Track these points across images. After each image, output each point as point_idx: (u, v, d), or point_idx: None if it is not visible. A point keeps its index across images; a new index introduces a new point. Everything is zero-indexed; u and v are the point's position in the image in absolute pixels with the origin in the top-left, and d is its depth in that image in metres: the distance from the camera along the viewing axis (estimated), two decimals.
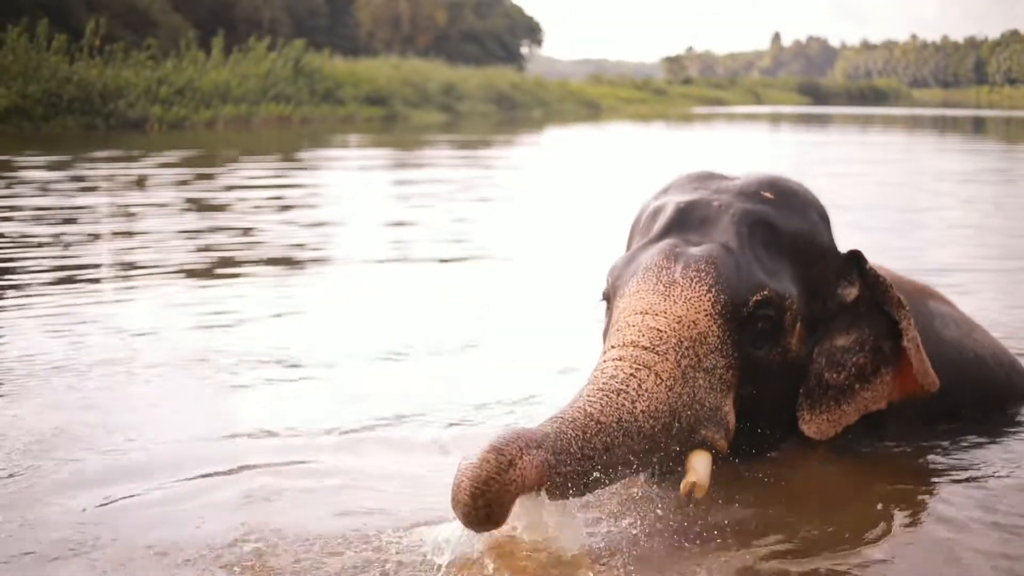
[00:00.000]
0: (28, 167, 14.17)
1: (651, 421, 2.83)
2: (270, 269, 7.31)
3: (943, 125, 41.18)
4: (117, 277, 6.89)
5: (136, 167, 15.02)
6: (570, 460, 2.65)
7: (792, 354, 3.17)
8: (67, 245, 7.90)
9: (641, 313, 3.02)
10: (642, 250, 3.22)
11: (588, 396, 2.83)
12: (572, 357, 4.65)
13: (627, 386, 2.85)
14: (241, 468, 3.45)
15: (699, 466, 2.90)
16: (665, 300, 3.01)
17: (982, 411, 3.77)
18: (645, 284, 3.07)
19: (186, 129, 24.79)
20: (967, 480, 3.35)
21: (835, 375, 3.26)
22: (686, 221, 3.23)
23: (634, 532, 2.90)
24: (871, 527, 3.01)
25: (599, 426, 2.75)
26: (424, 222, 9.83)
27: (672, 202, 3.31)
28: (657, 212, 3.34)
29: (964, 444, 3.62)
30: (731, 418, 3.01)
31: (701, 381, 2.95)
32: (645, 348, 2.94)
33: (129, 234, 8.75)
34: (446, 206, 10.99)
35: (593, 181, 14.95)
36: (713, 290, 3.01)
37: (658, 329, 2.97)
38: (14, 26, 23.46)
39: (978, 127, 39.54)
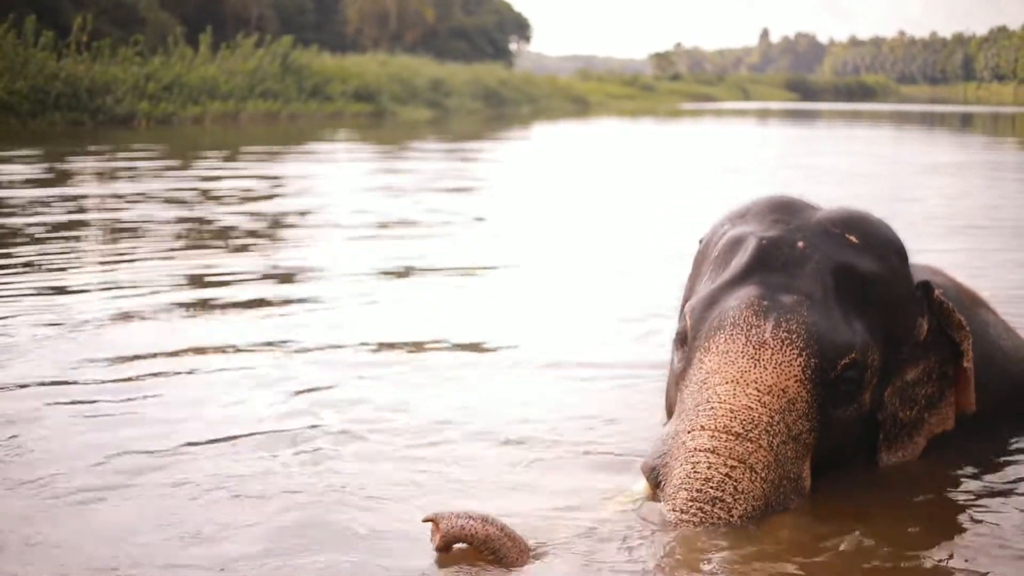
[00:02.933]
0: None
1: (747, 522, 2.82)
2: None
3: (930, 121, 41.31)
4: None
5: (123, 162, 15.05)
6: None
7: (865, 408, 3.11)
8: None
9: (732, 383, 2.94)
10: (725, 292, 3.11)
11: (683, 510, 2.82)
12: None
13: (723, 492, 2.82)
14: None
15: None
16: (756, 366, 2.94)
17: None
18: (734, 344, 2.98)
19: (174, 125, 24.79)
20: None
21: (908, 412, 3.22)
22: (768, 262, 3.11)
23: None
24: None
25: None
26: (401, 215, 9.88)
27: (753, 237, 3.18)
28: (736, 244, 3.22)
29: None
30: (808, 480, 2.97)
31: (789, 453, 2.91)
32: (739, 436, 2.87)
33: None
34: (418, 198, 11.07)
35: (579, 176, 15.01)
36: (804, 354, 2.94)
37: (750, 407, 2.90)
38: (1, 23, 23.41)
39: (965, 122, 39.65)
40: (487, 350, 4.94)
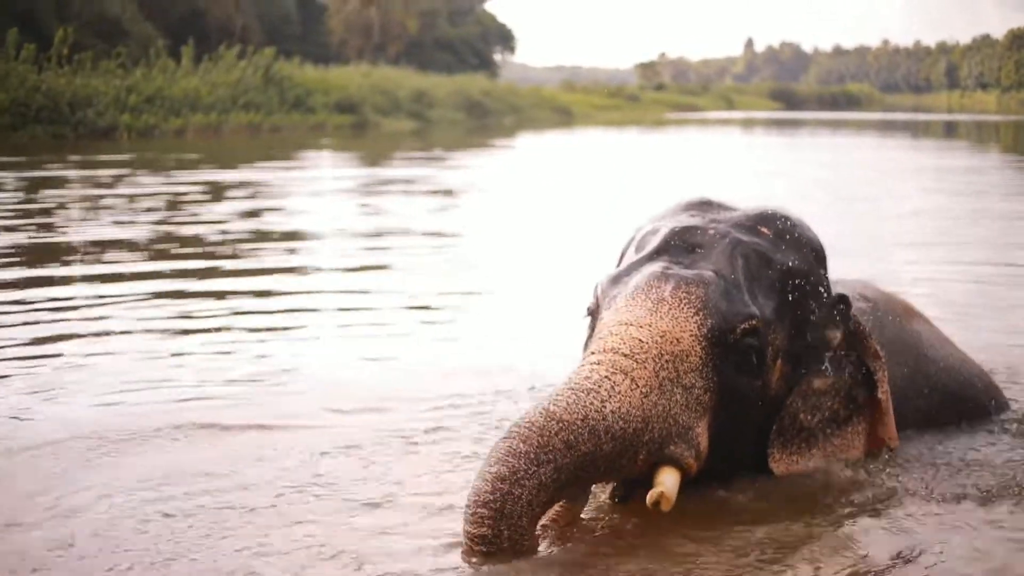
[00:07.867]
0: None
1: (621, 423, 2.82)
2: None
3: (913, 129, 41.44)
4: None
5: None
6: (529, 466, 2.70)
7: (770, 390, 3.14)
8: None
9: (626, 324, 3.00)
10: (632, 269, 3.19)
11: (556, 395, 2.83)
12: None
13: (600, 387, 2.84)
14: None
15: (667, 480, 2.89)
16: (652, 315, 2.99)
17: (966, 425, 3.77)
18: (634, 301, 3.05)
19: (155, 137, 24.68)
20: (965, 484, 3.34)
21: (810, 417, 3.24)
22: (680, 245, 3.20)
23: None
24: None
25: (560, 424, 2.75)
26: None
27: (667, 226, 3.28)
28: (650, 234, 3.30)
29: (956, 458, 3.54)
30: (703, 441, 2.98)
31: (678, 397, 2.93)
32: (625, 355, 2.92)
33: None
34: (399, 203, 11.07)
35: (558, 185, 15.01)
36: (701, 313, 2.99)
37: (640, 340, 2.95)
38: None
39: (949, 130, 39.82)
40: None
